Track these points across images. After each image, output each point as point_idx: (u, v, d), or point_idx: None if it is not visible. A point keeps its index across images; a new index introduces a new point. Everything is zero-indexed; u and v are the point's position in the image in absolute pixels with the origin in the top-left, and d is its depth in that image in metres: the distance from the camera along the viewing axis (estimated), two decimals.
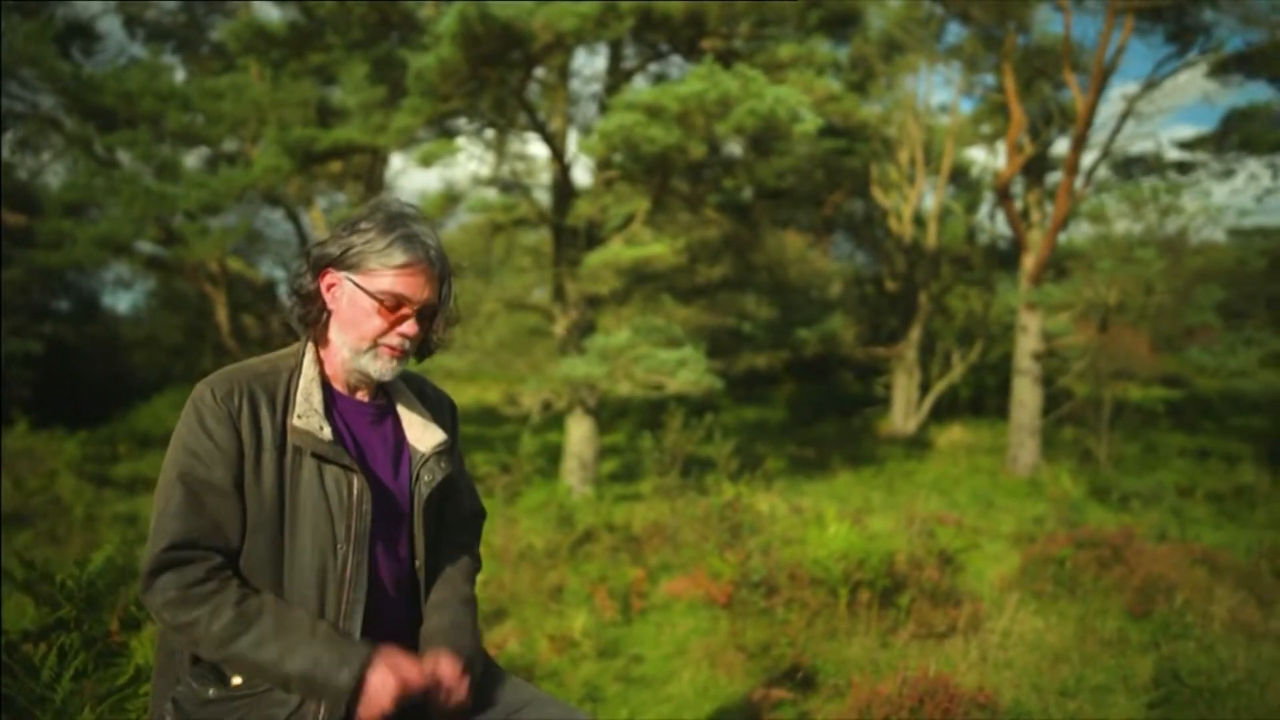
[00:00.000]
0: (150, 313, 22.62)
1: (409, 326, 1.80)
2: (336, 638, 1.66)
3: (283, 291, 1.97)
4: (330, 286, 1.81)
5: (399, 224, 1.79)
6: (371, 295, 1.77)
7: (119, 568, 2.92)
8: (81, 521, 8.69)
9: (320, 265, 1.81)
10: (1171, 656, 4.35)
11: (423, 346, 1.93)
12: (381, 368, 1.81)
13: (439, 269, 1.82)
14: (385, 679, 1.65)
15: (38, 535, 8.13)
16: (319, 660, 1.62)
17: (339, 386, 1.87)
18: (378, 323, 1.78)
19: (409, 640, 1.90)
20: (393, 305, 1.78)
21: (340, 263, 1.79)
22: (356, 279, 1.77)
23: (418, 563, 1.91)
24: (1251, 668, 4.15)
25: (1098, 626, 5.24)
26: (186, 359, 19.80)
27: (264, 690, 1.69)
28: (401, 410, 1.96)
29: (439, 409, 2.03)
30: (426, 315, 1.83)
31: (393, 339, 1.79)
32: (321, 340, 1.86)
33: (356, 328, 1.79)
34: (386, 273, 1.76)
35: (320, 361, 1.85)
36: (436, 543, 2.00)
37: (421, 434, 1.94)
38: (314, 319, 1.85)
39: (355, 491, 1.76)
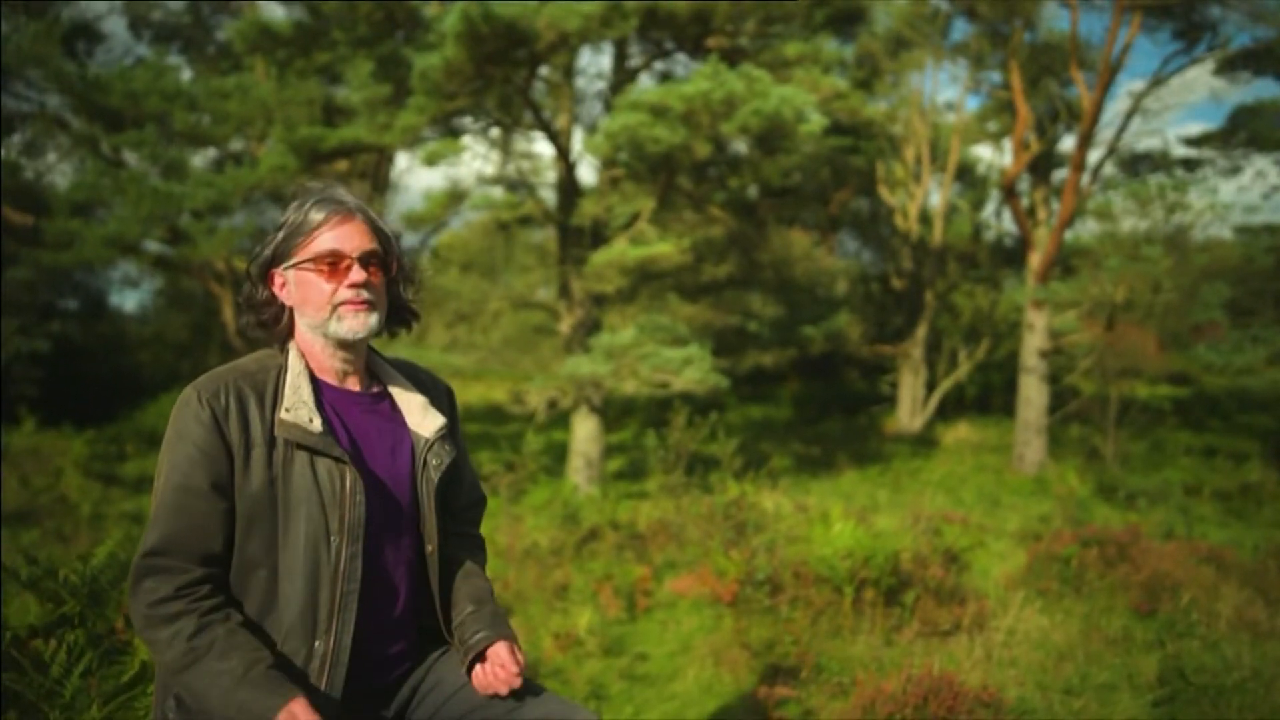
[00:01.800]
0: (157, 311, 22.69)
1: (356, 274, 1.77)
2: (265, 682, 1.59)
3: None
4: (281, 286, 1.82)
5: (310, 195, 1.82)
6: (309, 264, 1.77)
7: (122, 563, 2.92)
8: (88, 520, 8.73)
9: (264, 271, 1.83)
10: (1177, 655, 4.34)
11: (396, 313, 1.91)
12: (350, 325, 1.79)
13: (365, 217, 1.82)
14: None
15: (44, 534, 8.17)
16: (244, 706, 1.56)
17: (327, 378, 1.85)
18: (325, 286, 1.77)
19: (412, 630, 1.91)
20: (331, 262, 1.77)
21: (277, 260, 1.81)
22: (294, 261, 1.79)
23: (429, 548, 1.90)
24: (1257, 666, 4.14)
25: (1103, 625, 5.23)
26: (193, 357, 19.83)
27: None
28: (398, 397, 1.94)
29: (435, 394, 2.01)
30: (373, 265, 1.81)
31: (345, 293, 1.77)
32: (296, 338, 1.86)
33: (310, 302, 1.79)
34: (313, 236, 1.78)
35: (304, 356, 1.84)
36: (444, 529, 1.98)
37: (422, 419, 1.92)
38: (276, 321, 1.86)
39: (348, 483, 1.74)
